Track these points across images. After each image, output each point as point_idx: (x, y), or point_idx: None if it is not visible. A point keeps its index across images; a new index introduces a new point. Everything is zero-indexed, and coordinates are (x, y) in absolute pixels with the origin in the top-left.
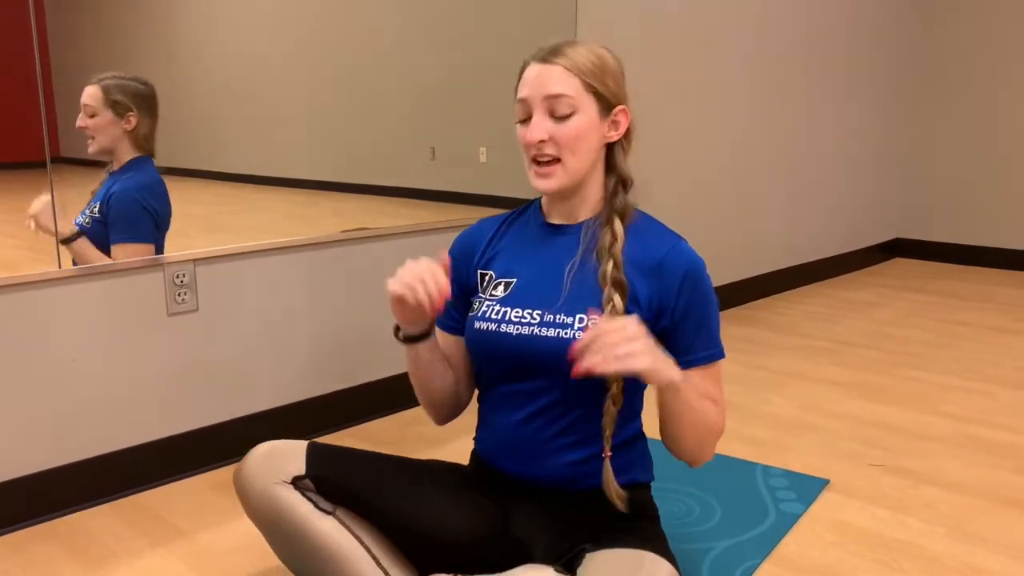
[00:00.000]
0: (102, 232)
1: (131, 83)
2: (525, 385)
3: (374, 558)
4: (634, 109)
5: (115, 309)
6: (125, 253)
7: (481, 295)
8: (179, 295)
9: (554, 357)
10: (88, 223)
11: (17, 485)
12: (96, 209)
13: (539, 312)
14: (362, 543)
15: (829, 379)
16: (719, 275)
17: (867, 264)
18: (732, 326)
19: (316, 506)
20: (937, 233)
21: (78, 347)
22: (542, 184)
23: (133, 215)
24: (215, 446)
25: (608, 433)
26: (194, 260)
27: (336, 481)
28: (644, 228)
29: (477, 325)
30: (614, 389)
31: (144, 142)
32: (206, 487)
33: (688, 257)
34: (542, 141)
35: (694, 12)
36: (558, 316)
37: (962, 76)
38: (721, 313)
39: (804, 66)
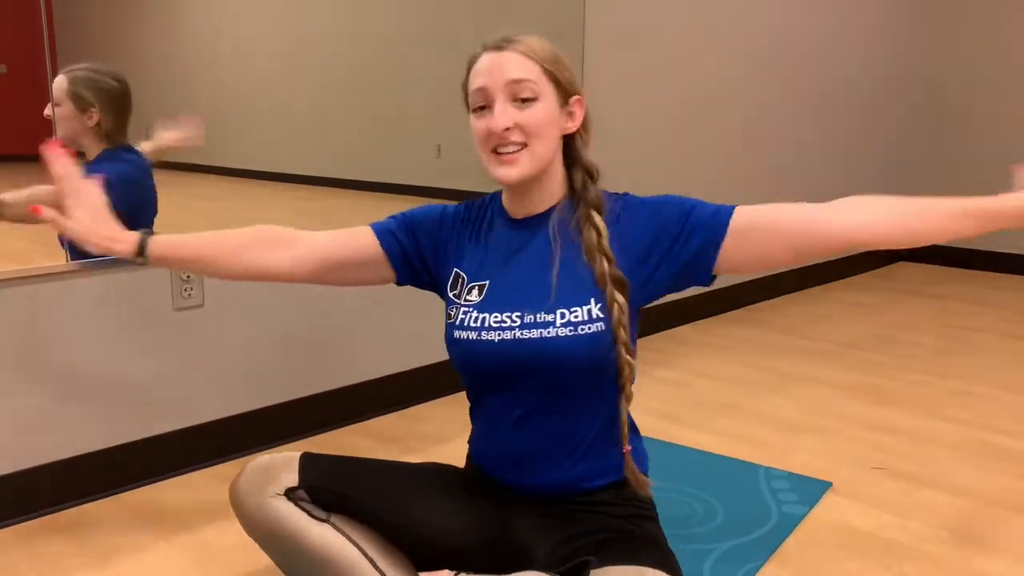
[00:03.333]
0: None
1: (100, 78)
2: (513, 394)
3: (372, 562)
4: (588, 101)
5: (121, 303)
6: None
7: (455, 300)
8: (185, 290)
9: (537, 358)
10: None
11: (24, 477)
12: None
13: (518, 314)
14: (359, 548)
15: (833, 382)
16: (725, 276)
17: (871, 267)
18: (737, 328)
19: (310, 515)
20: None
21: (84, 341)
22: (508, 173)
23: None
24: (220, 441)
25: (625, 431)
26: None
27: (331, 489)
28: (611, 198)
29: (457, 335)
30: (628, 390)
31: (109, 138)
32: (211, 481)
33: (651, 199)
34: (507, 129)
35: (703, 14)
36: (539, 315)
37: (970, 75)
38: (726, 314)
39: (809, 66)
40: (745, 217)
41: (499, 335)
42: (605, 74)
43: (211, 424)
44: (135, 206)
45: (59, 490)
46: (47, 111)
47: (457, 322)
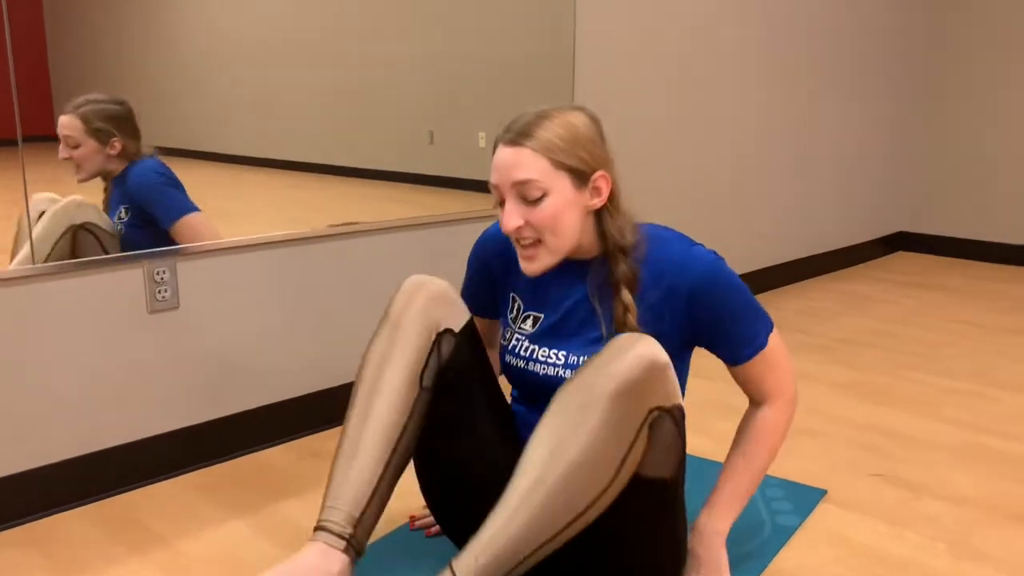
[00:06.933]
0: (139, 233)
1: (109, 106)
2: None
3: (394, 445)
4: (617, 169)
5: (93, 306)
6: (191, 224)
7: (511, 324)
8: (159, 292)
9: None
10: (122, 230)
11: None
12: (123, 213)
13: (564, 353)
14: (404, 428)
15: (830, 380)
16: None
17: (870, 258)
18: None
19: (424, 369)
20: (943, 227)
21: (55, 345)
22: (529, 267)
23: (168, 193)
24: (197, 446)
25: None
26: (175, 256)
27: (468, 366)
28: (653, 255)
29: (508, 359)
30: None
31: (129, 156)
32: (187, 489)
33: (695, 271)
34: (519, 227)
35: (698, 4)
36: (582, 359)
37: (971, 65)
38: None
39: (806, 56)
40: (743, 370)
41: (544, 369)
42: (598, 71)
43: (188, 429)
44: (181, 195)
45: (28, 501)
46: (62, 154)
47: (509, 347)
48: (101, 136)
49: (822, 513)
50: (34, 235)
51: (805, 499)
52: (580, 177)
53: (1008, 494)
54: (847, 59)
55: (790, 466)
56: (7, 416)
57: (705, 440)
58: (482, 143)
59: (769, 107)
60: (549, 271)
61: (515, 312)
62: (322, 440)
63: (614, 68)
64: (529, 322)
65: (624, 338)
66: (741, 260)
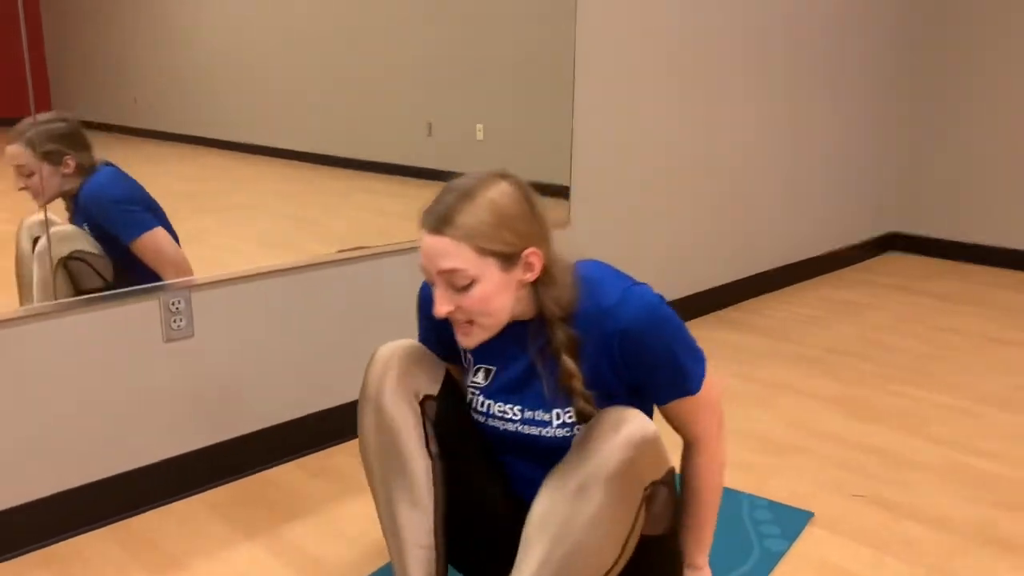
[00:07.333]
0: (111, 247)
1: (53, 126)
2: (516, 461)
3: (433, 523)
4: (552, 237)
5: (112, 337)
6: (153, 239)
7: (465, 374)
8: (175, 322)
9: (537, 449)
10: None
11: (16, 513)
12: (87, 230)
13: (519, 408)
14: (436, 506)
15: (817, 393)
16: (704, 278)
17: (860, 259)
18: (717, 331)
19: (427, 442)
20: (934, 228)
21: (74, 377)
22: (463, 342)
23: (123, 211)
24: (210, 466)
25: None
26: (189, 286)
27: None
28: (583, 306)
29: (471, 415)
30: None
31: (84, 170)
32: (202, 508)
33: (626, 314)
34: (450, 311)
35: (697, 3)
36: (536, 413)
37: (965, 64)
38: (706, 316)
39: (795, 57)
40: (672, 408)
41: (503, 424)
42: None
43: (200, 451)
44: (143, 196)
45: (49, 525)
46: (19, 185)
47: (469, 401)
48: (52, 158)
49: (808, 537)
50: (34, 280)
51: (792, 522)
52: (509, 259)
53: (984, 517)
54: (841, 59)
55: (777, 485)
56: (29, 444)
57: None
58: (480, 135)
59: (756, 108)
60: None
61: (467, 363)
62: (328, 457)
63: (614, 60)
64: (481, 375)
65: (610, 414)
66: (728, 266)
